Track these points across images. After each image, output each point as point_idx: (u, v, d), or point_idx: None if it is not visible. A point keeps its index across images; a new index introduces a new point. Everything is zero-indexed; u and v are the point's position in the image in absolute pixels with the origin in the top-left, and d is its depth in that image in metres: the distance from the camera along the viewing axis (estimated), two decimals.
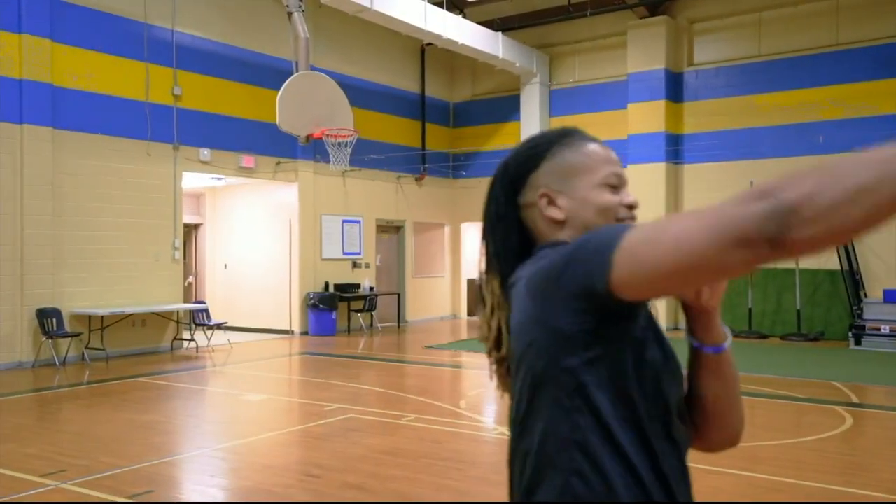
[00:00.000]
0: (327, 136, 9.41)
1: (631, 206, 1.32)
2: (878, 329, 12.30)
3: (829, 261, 13.39)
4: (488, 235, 1.39)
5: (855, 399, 8.27)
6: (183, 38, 12.41)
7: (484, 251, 1.39)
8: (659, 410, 1.19)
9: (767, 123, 14.12)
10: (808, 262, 13.57)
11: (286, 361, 11.55)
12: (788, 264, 13.65)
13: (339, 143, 9.52)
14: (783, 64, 14.05)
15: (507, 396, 1.34)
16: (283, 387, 9.72)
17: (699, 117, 14.86)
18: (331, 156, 9.53)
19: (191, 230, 15.27)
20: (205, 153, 12.69)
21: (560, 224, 1.32)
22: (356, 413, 7.43)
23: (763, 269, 13.95)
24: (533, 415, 1.21)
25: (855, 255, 13.12)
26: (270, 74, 13.49)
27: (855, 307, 12.86)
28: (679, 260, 0.93)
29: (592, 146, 1.35)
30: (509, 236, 1.36)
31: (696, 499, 1.27)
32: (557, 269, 1.14)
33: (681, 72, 15.14)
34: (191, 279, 15.10)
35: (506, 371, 1.35)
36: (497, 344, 1.33)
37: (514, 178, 1.36)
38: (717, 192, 14.54)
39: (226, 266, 15.38)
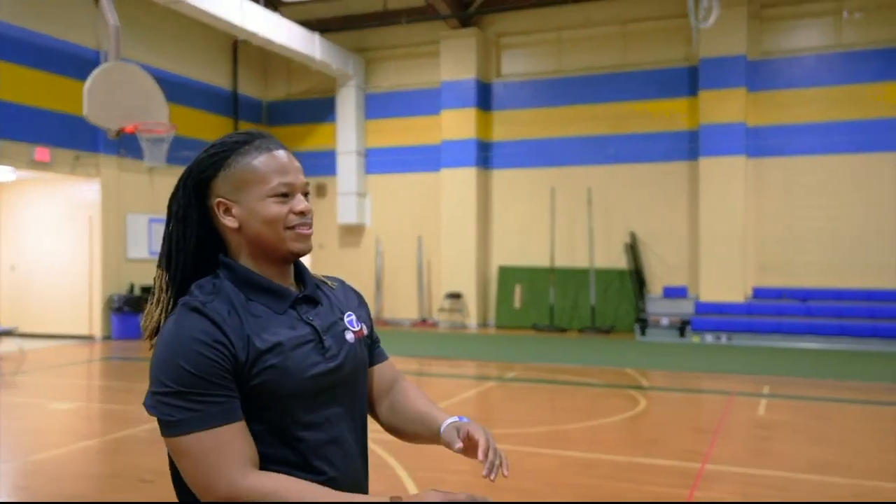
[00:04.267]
0: (141, 130, 8.96)
1: (303, 213, 1.40)
2: (659, 321, 13.81)
3: (618, 261, 14.80)
4: (167, 233, 1.43)
5: (644, 383, 9.31)
6: None
7: (162, 247, 1.44)
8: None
9: (567, 134, 15.32)
10: (602, 263, 14.92)
11: (91, 367, 10.83)
12: (584, 264, 14.92)
13: (155, 139, 9.11)
14: (580, 80, 15.32)
15: None
16: (93, 393, 9.15)
17: (507, 126, 15.81)
18: (145, 151, 9.10)
19: None
20: None
21: (237, 231, 1.40)
22: None
23: (562, 270, 15.13)
24: None
25: (639, 256, 14.62)
26: (70, 62, 12.56)
27: (640, 302, 14.32)
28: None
29: (265, 157, 1.39)
30: (187, 237, 1.41)
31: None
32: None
33: (490, 82, 16.02)
34: None
35: None
36: (153, 334, 1.40)
37: (197, 183, 1.42)
38: (523, 196, 15.56)
39: (13, 267, 14.08)
